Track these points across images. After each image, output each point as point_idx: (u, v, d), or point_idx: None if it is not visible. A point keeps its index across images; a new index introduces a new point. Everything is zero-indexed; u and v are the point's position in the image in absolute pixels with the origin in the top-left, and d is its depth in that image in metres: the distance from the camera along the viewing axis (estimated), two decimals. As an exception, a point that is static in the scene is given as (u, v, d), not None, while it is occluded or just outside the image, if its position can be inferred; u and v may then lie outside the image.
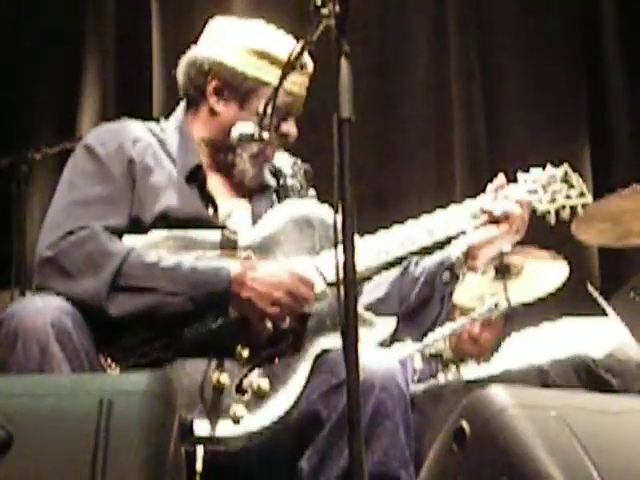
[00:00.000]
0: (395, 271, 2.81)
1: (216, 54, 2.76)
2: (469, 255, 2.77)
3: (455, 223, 2.73)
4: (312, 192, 2.93)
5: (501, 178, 2.80)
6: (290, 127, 2.76)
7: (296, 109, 2.76)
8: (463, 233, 2.75)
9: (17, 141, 5.09)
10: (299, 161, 2.94)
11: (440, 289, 2.78)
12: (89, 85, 5.69)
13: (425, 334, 2.94)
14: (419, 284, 2.79)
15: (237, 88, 2.74)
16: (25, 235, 4.69)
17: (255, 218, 2.78)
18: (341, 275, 1.99)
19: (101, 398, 1.84)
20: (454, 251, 2.78)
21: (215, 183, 2.78)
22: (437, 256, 2.80)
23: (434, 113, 5.62)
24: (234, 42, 2.76)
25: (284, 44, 2.72)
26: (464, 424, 2.00)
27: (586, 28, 5.67)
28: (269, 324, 2.53)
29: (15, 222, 4.61)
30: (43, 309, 2.37)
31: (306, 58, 2.72)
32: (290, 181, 2.90)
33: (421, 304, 2.78)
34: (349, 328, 1.96)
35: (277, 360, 2.54)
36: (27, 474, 1.79)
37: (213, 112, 2.78)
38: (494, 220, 2.73)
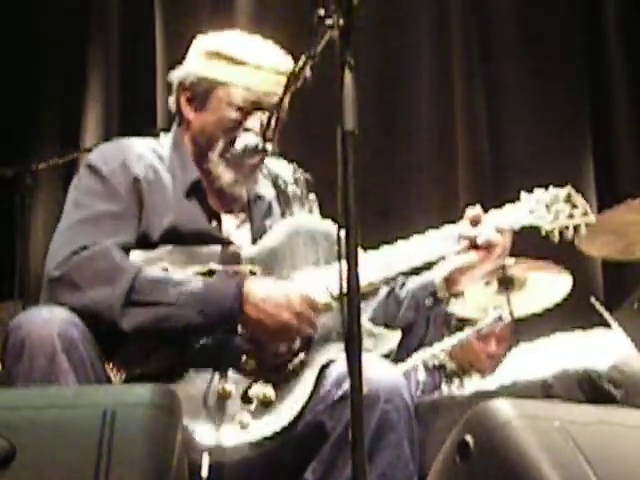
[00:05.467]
0: (381, 294, 2.84)
1: (184, 68, 2.83)
2: (450, 280, 2.79)
3: (436, 248, 2.74)
4: (312, 197, 2.93)
5: (477, 209, 2.80)
6: (254, 124, 2.72)
7: (265, 106, 2.72)
8: (443, 258, 2.76)
9: (21, 153, 5.09)
10: (299, 169, 2.95)
11: (424, 312, 2.80)
12: (93, 97, 5.70)
13: (410, 355, 2.95)
14: (403, 307, 2.81)
15: (198, 92, 2.77)
16: (28, 246, 4.69)
17: (255, 231, 2.79)
18: (345, 288, 1.99)
19: (104, 410, 1.84)
20: (437, 275, 2.79)
21: (214, 199, 2.79)
22: (421, 279, 2.82)
23: (437, 126, 5.62)
24: (195, 51, 2.83)
25: (244, 44, 2.77)
26: (468, 437, 2.00)
27: (589, 39, 5.68)
28: (278, 345, 2.55)
29: (19, 233, 4.61)
30: (50, 320, 2.37)
31: (273, 55, 2.76)
32: (291, 188, 2.90)
33: (406, 327, 2.80)
34: (353, 341, 1.96)
35: (283, 370, 2.54)
36: (30, 486, 1.79)
37: (188, 123, 2.81)
38: (474, 246, 2.74)
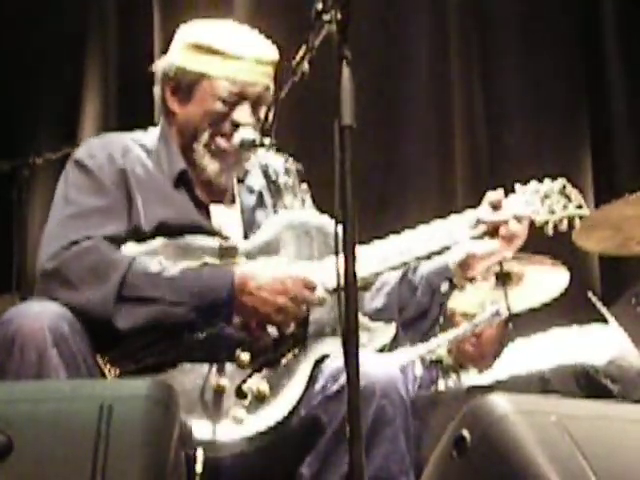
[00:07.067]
0: (393, 280, 2.83)
1: (167, 59, 2.82)
2: (465, 265, 2.78)
3: (453, 233, 2.73)
4: (304, 187, 2.93)
5: (499, 192, 2.80)
6: (240, 115, 2.73)
7: (250, 96, 2.73)
8: (457, 243, 2.76)
9: (18, 146, 5.09)
10: (290, 159, 2.94)
11: (439, 298, 2.79)
12: (91, 90, 5.69)
13: (424, 339, 2.95)
14: (418, 293, 2.79)
15: (183, 84, 2.77)
16: (26, 240, 4.70)
17: (246, 223, 2.79)
18: (342, 282, 1.99)
19: (101, 404, 1.83)
20: (451, 261, 2.78)
21: (202, 190, 2.78)
22: (434, 264, 2.80)
23: (435, 121, 5.62)
24: (179, 42, 2.82)
25: (225, 34, 2.75)
26: (464, 431, 2.00)
27: (588, 34, 5.68)
28: (272, 330, 2.55)
29: (16, 227, 4.61)
30: (40, 314, 2.37)
31: (255, 44, 2.75)
32: (282, 178, 2.90)
33: (420, 312, 2.79)
34: (350, 335, 1.96)
35: (277, 365, 2.55)
36: None
37: (173, 114, 2.81)
38: (492, 232, 2.74)
